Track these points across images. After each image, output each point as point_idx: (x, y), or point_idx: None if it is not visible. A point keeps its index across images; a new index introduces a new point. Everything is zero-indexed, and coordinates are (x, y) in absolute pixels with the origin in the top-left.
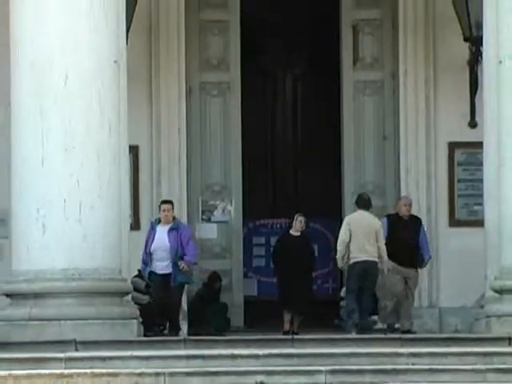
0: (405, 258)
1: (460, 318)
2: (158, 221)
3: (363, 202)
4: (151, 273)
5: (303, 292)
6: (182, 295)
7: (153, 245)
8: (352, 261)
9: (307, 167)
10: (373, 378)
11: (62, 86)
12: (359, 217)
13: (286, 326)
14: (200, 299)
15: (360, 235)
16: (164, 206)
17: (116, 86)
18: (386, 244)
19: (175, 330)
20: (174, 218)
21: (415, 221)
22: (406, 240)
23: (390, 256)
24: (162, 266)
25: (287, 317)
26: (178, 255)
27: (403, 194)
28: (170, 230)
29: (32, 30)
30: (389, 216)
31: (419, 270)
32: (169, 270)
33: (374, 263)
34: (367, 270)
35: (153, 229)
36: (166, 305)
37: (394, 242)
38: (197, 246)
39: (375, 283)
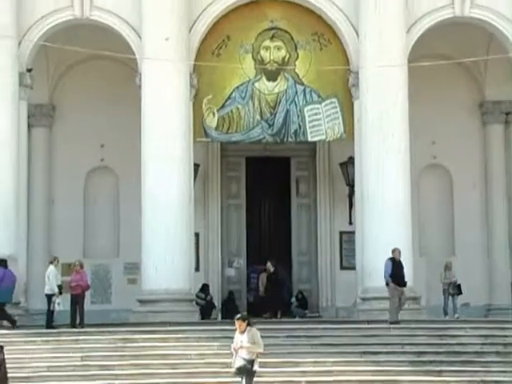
0: (399, 282)
1: (346, 311)
2: None
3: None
4: None
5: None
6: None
7: None
8: None
9: (275, 242)
10: (305, 339)
11: (165, 203)
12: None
13: (271, 315)
14: (225, 303)
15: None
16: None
17: (188, 205)
18: (390, 276)
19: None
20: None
21: (400, 261)
22: (399, 273)
23: (393, 281)
24: None
25: (270, 312)
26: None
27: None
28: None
29: (151, 184)
30: (391, 259)
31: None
32: None
33: None
34: None
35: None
36: None
37: (394, 274)
38: (14, 284)
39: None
